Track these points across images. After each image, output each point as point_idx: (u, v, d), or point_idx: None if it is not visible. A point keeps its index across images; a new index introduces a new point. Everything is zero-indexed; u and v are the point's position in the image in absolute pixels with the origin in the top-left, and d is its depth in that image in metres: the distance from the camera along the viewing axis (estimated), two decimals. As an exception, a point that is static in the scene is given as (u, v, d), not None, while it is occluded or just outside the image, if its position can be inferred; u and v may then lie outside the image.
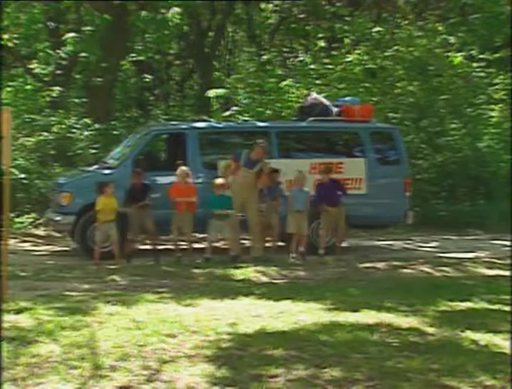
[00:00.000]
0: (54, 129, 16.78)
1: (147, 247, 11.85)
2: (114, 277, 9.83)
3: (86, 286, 9.24)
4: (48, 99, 18.32)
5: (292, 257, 11.42)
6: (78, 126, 16.99)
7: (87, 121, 17.06)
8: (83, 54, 17.84)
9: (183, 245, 11.59)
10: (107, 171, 12.11)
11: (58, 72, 18.85)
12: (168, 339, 6.24)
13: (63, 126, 16.87)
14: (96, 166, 12.80)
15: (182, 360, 5.69)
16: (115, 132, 17.03)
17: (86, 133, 16.72)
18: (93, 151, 16.14)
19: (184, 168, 11.45)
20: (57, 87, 18.07)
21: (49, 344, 6.00)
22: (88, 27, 17.58)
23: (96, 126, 16.90)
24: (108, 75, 17.58)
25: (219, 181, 11.42)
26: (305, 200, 11.49)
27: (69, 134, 16.72)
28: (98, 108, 17.67)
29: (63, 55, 17.78)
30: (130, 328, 6.56)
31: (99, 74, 17.44)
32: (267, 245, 11.72)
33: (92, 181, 11.65)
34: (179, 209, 11.26)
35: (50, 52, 18.27)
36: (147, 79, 23.21)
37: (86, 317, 7.00)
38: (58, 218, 11.94)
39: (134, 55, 21.80)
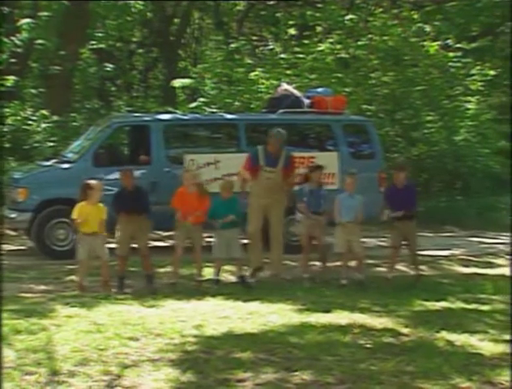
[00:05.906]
0: (9, 121, 16.46)
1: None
2: (73, 278, 9.44)
3: (43, 287, 9.12)
4: (2, 89, 17.84)
5: (343, 282, 9.84)
6: (34, 117, 16.74)
7: (45, 112, 16.78)
8: (39, 41, 17.57)
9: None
10: (66, 165, 11.82)
11: (13, 60, 18.41)
12: (130, 342, 6.18)
13: (19, 118, 16.59)
14: (54, 160, 12.48)
15: (145, 364, 5.63)
16: (74, 124, 16.85)
17: (43, 125, 16.46)
18: (51, 144, 15.82)
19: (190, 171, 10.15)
20: (12, 77, 17.65)
21: (3, 349, 5.86)
22: (45, 13, 17.26)
23: (54, 117, 16.63)
24: (67, 64, 17.35)
25: (229, 180, 10.12)
26: (359, 209, 9.92)
27: (25, 127, 16.50)
28: (56, 98, 17.43)
29: (18, 42, 17.43)
30: (90, 331, 6.49)
31: (57, 63, 17.23)
32: (313, 265, 10.17)
33: (50, 176, 11.57)
34: (183, 218, 9.28)
35: (4, 39, 17.69)
36: (109, 69, 23.14)
37: (42, 320, 6.90)
38: (13, 215, 11.64)
39: (94, 43, 21.70)
